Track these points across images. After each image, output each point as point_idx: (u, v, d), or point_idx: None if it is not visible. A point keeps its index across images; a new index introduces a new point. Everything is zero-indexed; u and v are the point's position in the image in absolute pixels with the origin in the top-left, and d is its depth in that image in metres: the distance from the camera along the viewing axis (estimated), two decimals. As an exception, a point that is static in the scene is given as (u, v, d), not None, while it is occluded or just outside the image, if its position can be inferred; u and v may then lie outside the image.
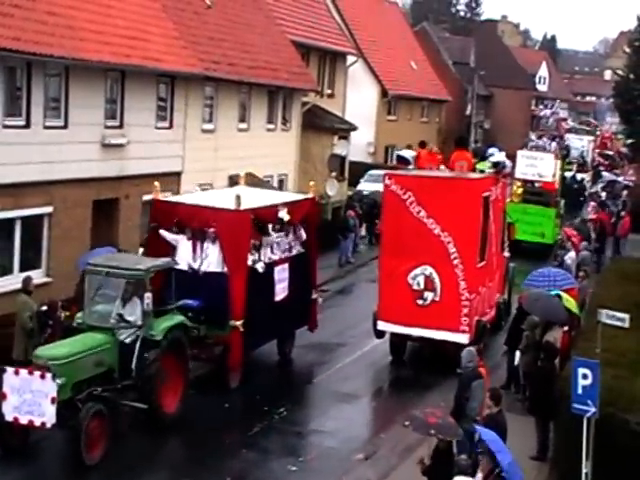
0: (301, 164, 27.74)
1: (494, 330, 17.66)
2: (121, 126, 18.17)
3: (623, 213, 29.42)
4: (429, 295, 15.63)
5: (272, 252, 15.25)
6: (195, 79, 20.54)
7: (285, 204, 15.43)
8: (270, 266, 15.00)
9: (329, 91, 31.85)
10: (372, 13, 43.32)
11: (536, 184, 28.01)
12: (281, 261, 15.44)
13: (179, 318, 12.99)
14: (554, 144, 43.46)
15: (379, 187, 33.48)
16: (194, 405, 13.28)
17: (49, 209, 16.27)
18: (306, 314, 16.43)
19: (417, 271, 15.65)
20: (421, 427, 9.33)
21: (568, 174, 38.65)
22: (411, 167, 17.82)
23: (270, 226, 15.30)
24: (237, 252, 14.15)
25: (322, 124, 29.32)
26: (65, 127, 16.56)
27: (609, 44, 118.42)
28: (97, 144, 17.46)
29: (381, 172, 35.78)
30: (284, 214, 15.14)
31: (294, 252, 15.96)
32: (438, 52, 53.18)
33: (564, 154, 40.84)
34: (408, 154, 17.95)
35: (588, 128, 60.57)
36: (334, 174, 28.89)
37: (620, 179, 42.76)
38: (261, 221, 14.92)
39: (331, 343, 17.81)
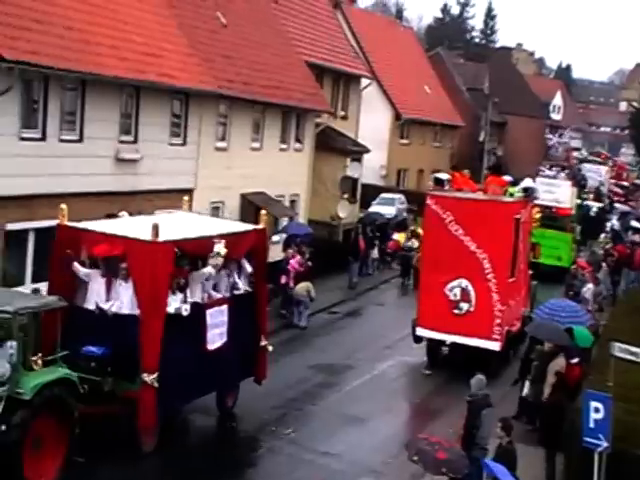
0: (313, 185, 27.94)
1: (506, 356, 18.00)
2: (135, 141, 18.40)
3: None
4: (464, 305, 17.35)
5: (203, 291, 13.30)
6: (209, 97, 20.79)
7: (223, 236, 13.33)
8: (200, 308, 12.96)
9: (342, 113, 32.12)
10: (387, 37, 43.77)
11: (553, 210, 29.00)
12: (217, 302, 13.45)
13: (61, 371, 11.09)
14: (562, 175, 43.81)
15: (390, 210, 34.22)
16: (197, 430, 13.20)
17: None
18: (252, 364, 14.40)
19: (454, 283, 17.39)
20: (431, 466, 9.40)
21: (584, 203, 39.20)
22: (446, 188, 18.34)
23: (203, 261, 13.35)
24: (152, 291, 12.06)
25: (335, 145, 29.57)
26: (80, 141, 16.80)
27: (625, 75, 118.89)
28: (111, 158, 17.69)
29: (393, 195, 36.59)
30: (220, 247, 13.05)
31: (236, 292, 14.04)
32: (452, 78, 53.58)
33: (582, 184, 41.26)
34: (444, 177, 18.75)
35: (599, 159, 60.84)
36: (346, 196, 29.10)
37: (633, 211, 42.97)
38: (188, 255, 12.92)
39: (339, 365, 17.92)
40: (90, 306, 12.45)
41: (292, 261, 21.23)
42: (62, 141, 16.35)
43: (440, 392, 16.27)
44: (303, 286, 20.76)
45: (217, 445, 13.30)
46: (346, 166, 30.53)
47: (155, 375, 11.89)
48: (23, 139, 15.42)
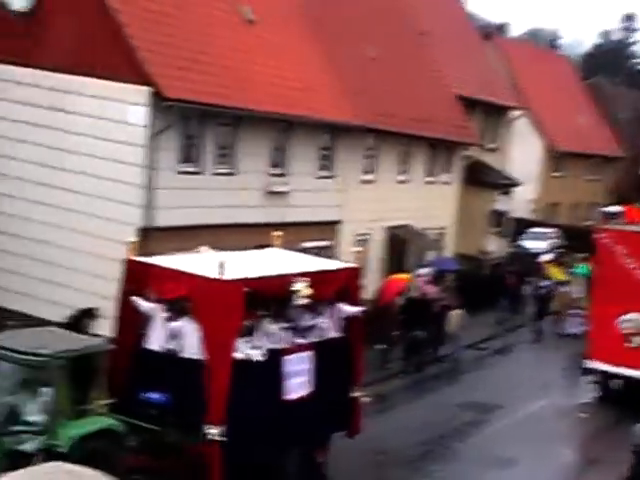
0: (460, 218, 28.03)
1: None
2: (285, 174, 19.38)
3: None
4: (637, 339, 17.63)
5: (282, 336, 12.10)
6: (357, 130, 21.53)
7: (305, 274, 12.19)
8: (276, 355, 11.84)
9: (492, 145, 32.08)
10: (540, 66, 43.26)
11: None
12: (297, 348, 12.27)
13: (105, 421, 10.34)
14: None
15: (541, 245, 33.60)
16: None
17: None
18: (344, 416, 13.15)
19: (626, 317, 17.73)
20: None
21: None
22: (616, 222, 18.48)
23: (282, 303, 12.14)
24: (219, 334, 11.09)
25: (484, 179, 29.59)
26: (233, 174, 17.92)
27: None
28: (261, 191, 18.71)
29: (544, 229, 35.90)
30: (302, 287, 11.95)
31: (324, 337, 12.79)
32: (611, 107, 51.98)
33: None
34: (615, 209, 19.05)
35: None
36: (494, 230, 28.95)
37: None
38: (262, 295, 11.67)
39: (489, 403, 17.81)
40: (153, 347, 11.50)
41: (426, 286, 21.29)
42: (216, 174, 17.52)
43: (600, 437, 15.81)
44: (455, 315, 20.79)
45: (364, 479, 13.36)
46: (495, 200, 30.42)
47: (221, 428, 10.81)
48: (181, 173, 16.67)
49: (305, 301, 12.12)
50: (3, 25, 16.49)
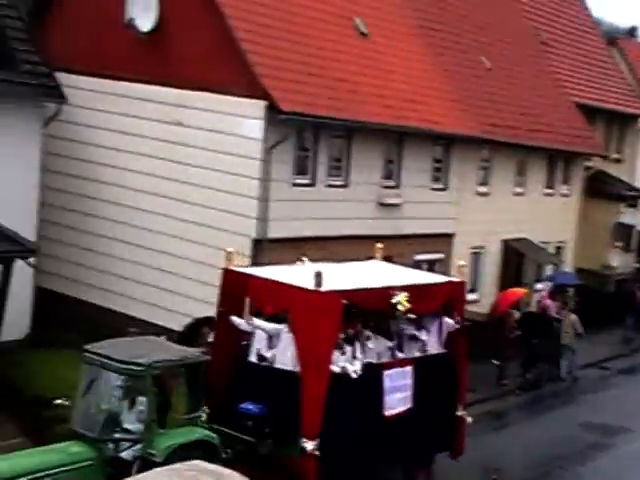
0: (582, 231, 27.22)
1: None
2: (397, 186, 19.41)
3: None
4: None
5: (382, 350, 12.14)
6: (471, 141, 21.31)
7: (406, 287, 12.07)
8: (375, 369, 11.85)
9: (616, 156, 30.99)
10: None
11: None
12: (398, 363, 12.26)
13: (200, 432, 10.48)
14: None
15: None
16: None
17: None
18: (447, 436, 12.98)
19: None
20: None
21: None
22: None
23: (382, 317, 12.17)
24: (315, 347, 11.06)
25: (607, 190, 28.66)
26: (345, 186, 18.10)
27: None
28: (374, 203, 18.81)
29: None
30: (401, 300, 11.82)
31: (427, 352, 12.79)
32: None
33: None
34: None
35: None
36: (619, 244, 27.95)
37: None
38: (361, 308, 11.71)
39: (613, 425, 17.18)
40: (251, 358, 11.69)
41: (545, 301, 20.76)
42: (329, 186, 17.75)
43: None
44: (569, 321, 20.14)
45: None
46: (620, 212, 29.36)
47: (316, 442, 10.78)
48: (295, 185, 16.99)
49: (405, 315, 11.98)
50: (131, 46, 17.33)
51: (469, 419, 13.32)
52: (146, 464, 9.57)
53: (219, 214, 16.51)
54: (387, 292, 11.84)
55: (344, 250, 17.92)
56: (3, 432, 12.70)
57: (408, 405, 12.09)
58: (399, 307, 11.82)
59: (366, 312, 11.85)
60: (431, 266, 20.60)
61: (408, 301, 11.84)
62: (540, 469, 14.57)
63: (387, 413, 11.84)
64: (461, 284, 13.41)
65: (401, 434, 11.77)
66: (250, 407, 11.01)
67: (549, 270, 24.93)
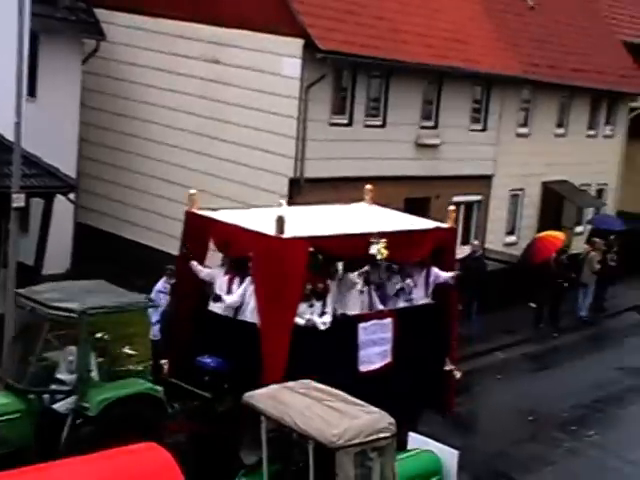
0: (625, 174, 27.06)
1: None
2: (435, 127, 19.51)
3: None
4: None
5: (358, 302, 11.20)
6: (512, 82, 21.23)
7: (386, 234, 11.08)
8: (348, 321, 11.01)
9: (664, 96, 30.49)
10: None
11: None
12: (375, 315, 11.32)
13: (142, 385, 9.76)
14: None
15: None
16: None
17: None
18: (434, 392, 12.04)
19: None
20: None
21: None
22: None
23: (356, 265, 11.11)
24: (275, 297, 10.25)
25: (653, 132, 28.24)
26: (383, 126, 18.27)
27: None
28: (411, 144, 18.97)
29: None
30: (379, 249, 10.88)
31: (411, 303, 11.82)
32: None
33: None
34: None
35: None
36: (663, 188, 27.73)
37: None
38: (333, 256, 10.81)
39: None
40: (213, 308, 10.83)
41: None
42: (367, 126, 17.93)
43: None
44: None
45: (515, 438, 13.30)
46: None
47: None
48: (332, 124, 17.20)
49: (385, 264, 11.17)
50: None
51: (458, 374, 12.41)
52: (81, 418, 9.17)
53: (256, 153, 16.82)
54: (363, 239, 10.94)
55: (381, 191, 18.11)
56: None
57: (387, 360, 11.31)
58: (377, 255, 10.95)
59: (337, 260, 10.97)
60: (469, 208, 20.81)
61: (387, 248, 10.97)
62: (579, 411, 14.75)
63: (362, 369, 11.08)
64: (451, 231, 12.52)
65: (379, 391, 10.24)
66: (207, 361, 10.28)
67: (591, 214, 24.92)
